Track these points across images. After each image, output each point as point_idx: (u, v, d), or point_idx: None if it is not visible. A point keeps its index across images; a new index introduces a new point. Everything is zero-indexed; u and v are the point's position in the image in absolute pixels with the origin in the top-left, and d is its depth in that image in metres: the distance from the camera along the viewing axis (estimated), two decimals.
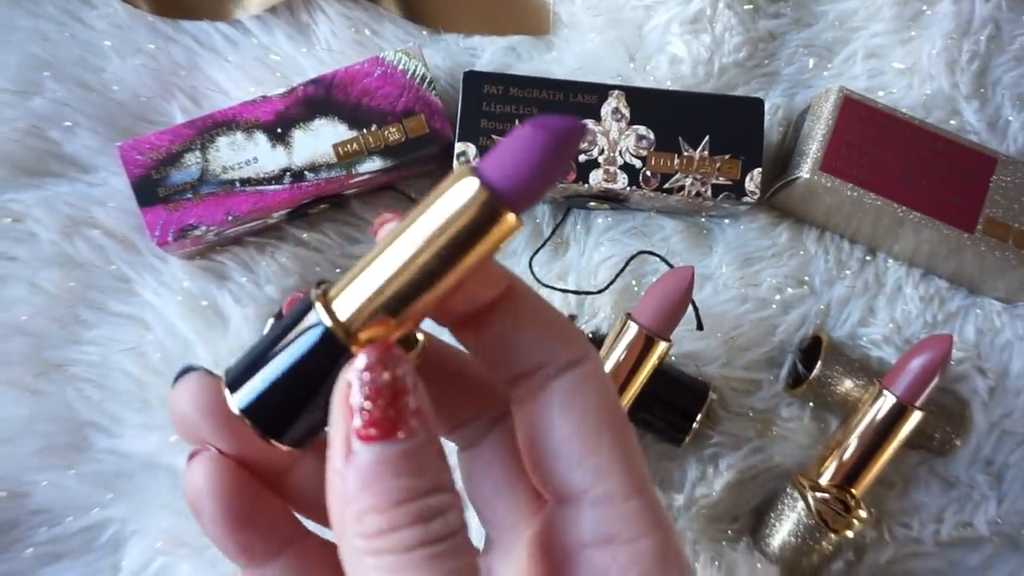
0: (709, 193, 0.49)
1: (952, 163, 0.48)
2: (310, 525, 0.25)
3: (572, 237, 0.53)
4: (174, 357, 0.50)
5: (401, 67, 0.49)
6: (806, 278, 0.53)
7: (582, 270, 0.53)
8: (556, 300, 0.52)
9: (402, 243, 0.20)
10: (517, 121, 0.48)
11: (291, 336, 0.21)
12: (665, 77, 0.53)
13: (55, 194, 0.51)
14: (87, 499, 0.49)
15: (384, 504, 0.19)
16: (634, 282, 0.52)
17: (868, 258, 0.54)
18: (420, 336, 0.23)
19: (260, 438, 0.21)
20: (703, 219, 0.54)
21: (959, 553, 0.51)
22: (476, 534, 0.26)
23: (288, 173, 0.48)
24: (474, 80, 0.49)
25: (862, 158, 0.48)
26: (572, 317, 0.51)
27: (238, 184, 0.48)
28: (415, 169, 0.51)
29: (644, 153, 0.49)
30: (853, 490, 0.47)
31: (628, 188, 0.49)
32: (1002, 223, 0.48)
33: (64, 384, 0.50)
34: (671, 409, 0.49)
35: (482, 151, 0.48)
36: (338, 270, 0.52)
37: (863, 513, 0.47)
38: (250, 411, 0.21)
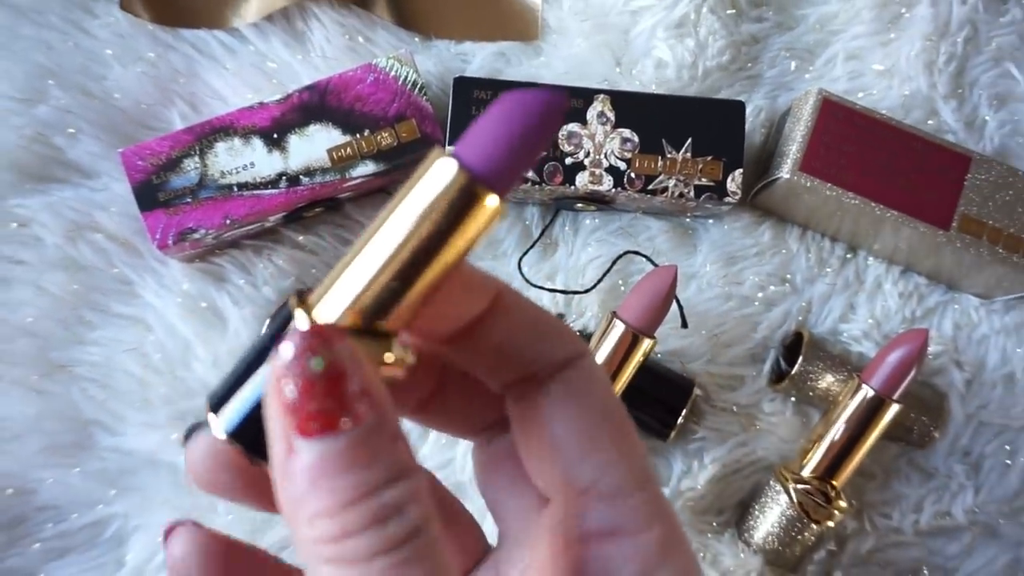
0: (692, 194, 0.50)
1: (928, 162, 0.50)
2: None
3: (560, 238, 0.55)
4: (175, 357, 0.52)
5: (393, 73, 0.51)
6: (788, 276, 0.55)
7: (570, 270, 0.54)
8: (545, 300, 0.53)
9: (380, 239, 0.19)
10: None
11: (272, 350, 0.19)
12: (651, 81, 0.55)
13: (59, 199, 0.52)
14: (91, 495, 0.51)
15: (335, 505, 0.17)
16: (621, 281, 0.54)
17: (849, 256, 0.55)
18: (407, 351, 0.20)
19: (248, 460, 0.20)
20: (688, 219, 0.55)
21: (938, 542, 0.52)
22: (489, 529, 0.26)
23: (284, 177, 0.50)
24: (464, 85, 0.51)
25: (841, 159, 0.50)
26: (560, 316, 0.53)
27: (236, 188, 0.50)
28: (407, 173, 0.52)
29: (629, 155, 0.50)
30: (834, 482, 0.48)
31: (614, 190, 0.50)
32: (977, 220, 0.49)
33: (68, 384, 0.51)
34: (657, 405, 0.51)
35: None
36: None
37: (844, 504, 0.48)
38: (237, 433, 0.20)
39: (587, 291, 0.53)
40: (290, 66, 0.55)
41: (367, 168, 0.50)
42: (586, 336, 0.51)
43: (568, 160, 0.50)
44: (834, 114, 0.50)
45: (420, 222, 0.18)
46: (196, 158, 0.49)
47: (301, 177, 0.50)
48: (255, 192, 0.50)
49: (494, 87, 0.51)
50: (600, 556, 0.21)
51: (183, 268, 0.53)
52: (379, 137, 0.51)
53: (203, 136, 0.50)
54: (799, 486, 0.48)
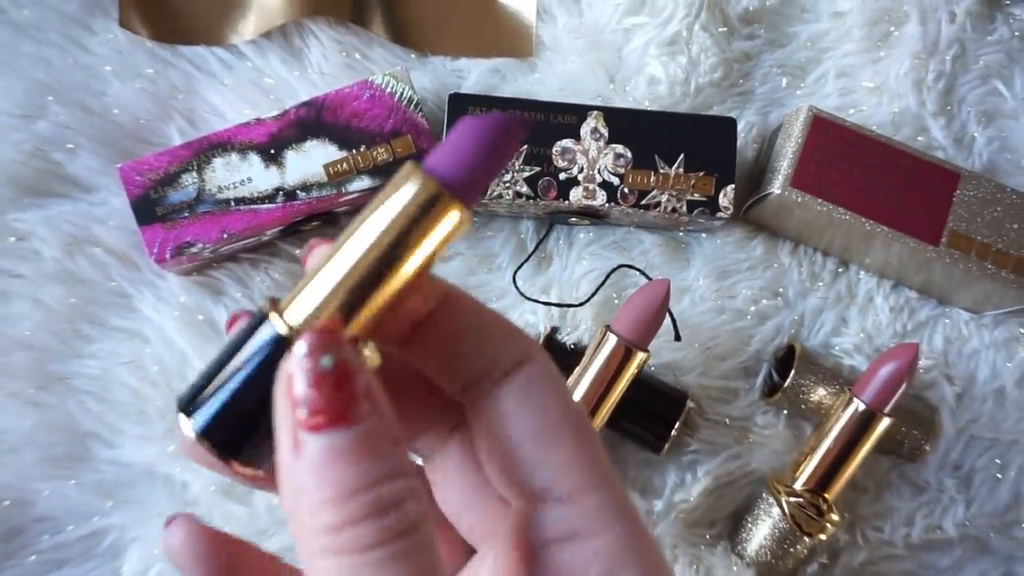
0: (684, 209, 0.51)
1: (917, 178, 0.50)
2: None
3: (555, 251, 0.55)
4: (172, 370, 0.52)
5: (389, 90, 0.52)
6: (780, 290, 0.55)
7: (564, 283, 0.54)
8: (539, 313, 0.54)
9: (352, 244, 0.20)
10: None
11: (244, 351, 0.20)
12: (644, 97, 0.56)
13: (58, 213, 0.53)
14: (88, 507, 0.51)
15: (339, 495, 0.18)
16: (614, 295, 0.54)
17: (840, 270, 0.56)
18: (375, 353, 0.21)
19: (220, 460, 0.20)
20: (681, 233, 0.56)
21: (930, 555, 0.53)
22: None
23: (281, 192, 0.50)
24: (459, 102, 0.51)
25: (831, 174, 0.50)
26: (555, 329, 0.53)
27: (233, 203, 0.50)
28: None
29: (622, 171, 0.51)
30: (826, 494, 0.48)
31: (607, 204, 0.51)
32: (965, 236, 0.50)
33: (66, 396, 0.52)
34: (650, 418, 0.51)
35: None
36: None
37: (836, 517, 0.48)
38: (206, 433, 0.20)
39: (581, 304, 0.53)
40: (287, 82, 0.56)
41: (363, 183, 0.51)
42: (580, 349, 0.51)
43: (562, 175, 0.51)
44: (825, 131, 0.51)
45: (390, 229, 0.19)
46: (194, 173, 0.50)
47: (298, 192, 0.50)
48: (252, 207, 0.50)
49: (489, 103, 0.51)
50: (561, 560, 0.21)
51: (180, 281, 0.53)
52: (375, 153, 0.51)
53: (201, 151, 0.50)
54: (791, 499, 0.49)
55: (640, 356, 0.47)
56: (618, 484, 0.22)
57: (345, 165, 0.51)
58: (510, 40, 0.57)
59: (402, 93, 0.52)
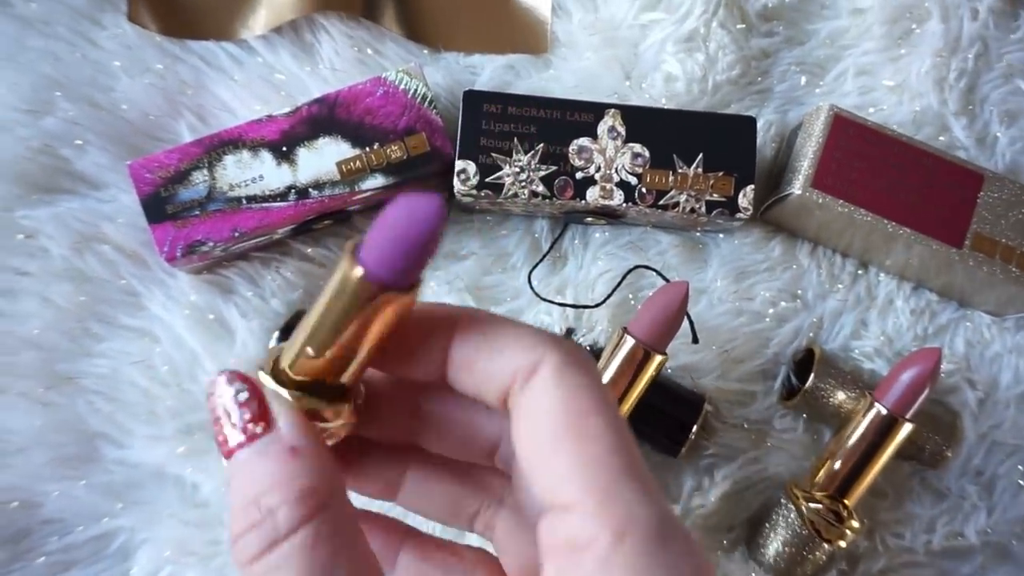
0: (703, 209, 0.50)
1: (940, 179, 0.49)
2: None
3: (570, 251, 0.54)
4: (182, 369, 0.52)
5: (402, 87, 0.51)
6: (799, 292, 0.54)
7: (580, 284, 0.54)
8: (555, 314, 0.53)
9: (317, 313, 0.22)
10: (515, 140, 0.50)
11: None
12: (660, 95, 0.55)
13: (67, 210, 0.52)
14: (97, 509, 0.51)
15: (236, 507, 0.21)
16: (631, 296, 0.54)
17: (860, 272, 0.55)
18: (348, 412, 0.24)
19: None
20: (698, 234, 0.55)
21: (951, 563, 0.52)
22: None
23: (293, 190, 0.50)
24: (474, 99, 0.50)
25: (852, 175, 0.49)
26: (570, 330, 0.53)
27: (244, 201, 0.49)
28: (416, 186, 0.52)
29: (639, 170, 0.50)
30: (846, 500, 0.47)
31: (624, 204, 0.50)
32: (989, 238, 0.49)
33: (75, 396, 0.51)
34: (668, 421, 0.50)
35: (482, 169, 0.50)
36: None
37: (856, 523, 0.48)
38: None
39: (597, 305, 0.52)
40: (299, 78, 0.55)
41: (376, 181, 0.50)
42: (596, 351, 0.51)
43: (579, 175, 0.50)
44: (845, 130, 0.50)
45: (333, 309, 0.21)
46: (205, 171, 0.49)
47: (310, 190, 0.50)
48: (264, 205, 0.49)
49: (504, 100, 0.50)
50: (572, 571, 0.20)
51: (191, 280, 0.52)
52: (388, 150, 0.50)
53: (212, 149, 0.49)
54: (810, 504, 0.48)
55: (658, 359, 0.47)
56: (626, 492, 0.20)
57: (358, 163, 0.50)
58: (525, 36, 0.56)
59: (416, 90, 0.51)
